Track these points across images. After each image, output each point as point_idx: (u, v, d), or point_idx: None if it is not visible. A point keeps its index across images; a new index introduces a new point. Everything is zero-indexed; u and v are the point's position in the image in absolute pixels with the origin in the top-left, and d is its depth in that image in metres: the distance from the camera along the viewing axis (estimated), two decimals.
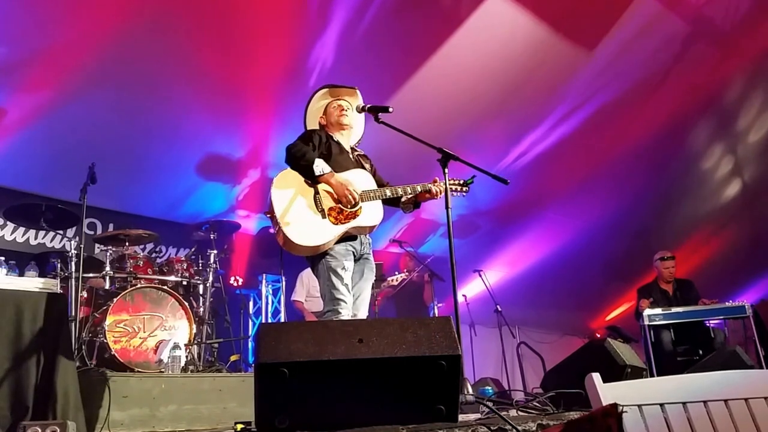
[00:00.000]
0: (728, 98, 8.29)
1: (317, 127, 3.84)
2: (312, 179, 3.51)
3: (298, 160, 3.50)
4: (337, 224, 3.46)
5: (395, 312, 7.86)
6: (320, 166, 3.48)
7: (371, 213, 3.60)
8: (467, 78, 7.05)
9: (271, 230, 8.03)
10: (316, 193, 3.51)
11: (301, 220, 3.41)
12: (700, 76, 7.77)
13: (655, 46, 7.28)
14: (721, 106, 8.37)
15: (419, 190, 3.72)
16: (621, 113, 7.87)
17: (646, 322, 6.30)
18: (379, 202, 3.66)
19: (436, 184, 3.68)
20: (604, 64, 7.19)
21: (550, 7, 6.67)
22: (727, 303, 6.36)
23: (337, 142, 3.75)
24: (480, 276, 7.80)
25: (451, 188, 3.74)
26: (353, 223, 3.51)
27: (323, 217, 3.45)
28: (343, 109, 3.79)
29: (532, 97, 7.43)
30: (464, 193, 3.87)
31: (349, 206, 3.49)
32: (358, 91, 3.89)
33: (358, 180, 3.61)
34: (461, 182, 3.84)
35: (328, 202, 3.50)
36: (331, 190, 3.50)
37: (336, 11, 6.17)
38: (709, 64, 7.73)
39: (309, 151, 3.52)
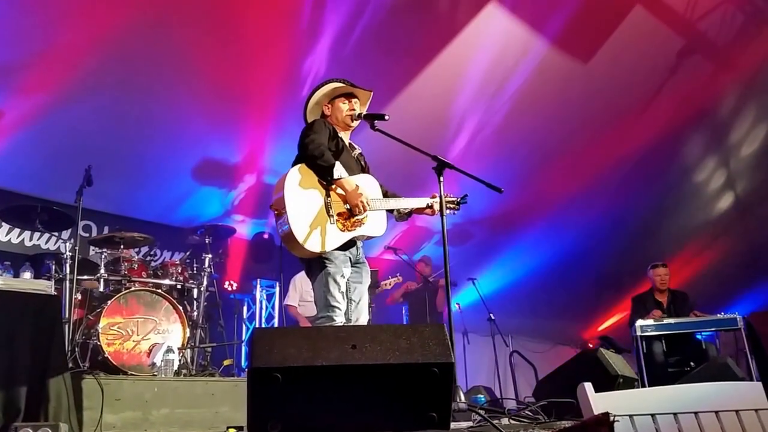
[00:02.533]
0: (721, 111, 8.36)
1: (318, 115, 3.75)
2: (328, 181, 3.43)
3: (316, 158, 3.38)
4: (343, 231, 3.43)
5: (408, 316, 8.04)
6: (339, 169, 3.43)
7: (376, 223, 3.59)
8: (462, 88, 7.09)
9: (266, 236, 8.10)
10: (328, 195, 3.43)
11: (312, 222, 3.34)
12: (694, 89, 7.84)
13: (649, 59, 7.34)
14: (715, 119, 8.44)
15: (420, 204, 3.73)
16: (615, 125, 7.92)
17: (638, 333, 6.30)
18: (384, 212, 3.66)
19: (435, 200, 3.67)
20: (598, 76, 7.24)
21: (545, 20, 6.72)
22: (718, 315, 6.38)
23: (341, 139, 3.69)
24: (473, 284, 7.82)
25: (444, 204, 3.76)
26: (358, 232, 3.49)
27: (332, 222, 3.39)
28: (353, 110, 3.70)
29: (527, 108, 7.47)
30: (455, 211, 3.87)
31: (359, 215, 3.46)
32: (371, 96, 3.82)
33: (367, 187, 3.57)
34: (455, 200, 3.82)
35: (338, 207, 3.44)
36: (343, 194, 3.46)
37: (329, 19, 6.21)
38: (703, 78, 7.80)
39: (327, 151, 3.43)
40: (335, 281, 3.39)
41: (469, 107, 7.32)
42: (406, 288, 7.89)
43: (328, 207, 3.41)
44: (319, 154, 3.39)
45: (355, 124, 3.75)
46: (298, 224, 3.30)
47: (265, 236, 8.08)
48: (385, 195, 3.78)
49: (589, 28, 6.91)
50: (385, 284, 6.99)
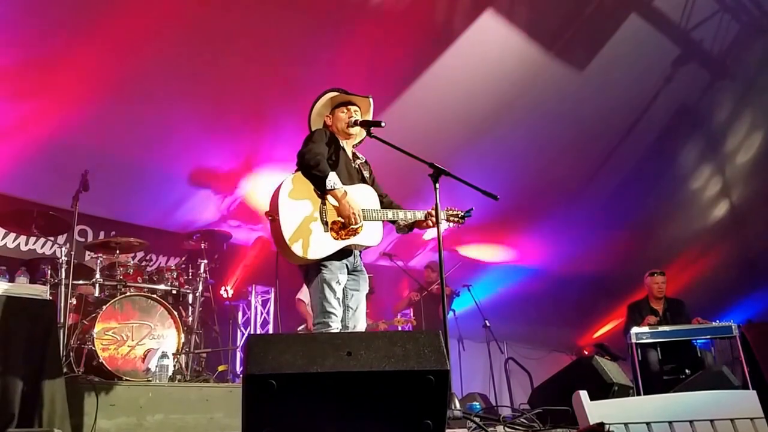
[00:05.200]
0: (717, 119, 8.40)
1: (321, 126, 3.76)
2: (322, 191, 3.44)
3: (311, 168, 3.41)
4: (337, 239, 3.44)
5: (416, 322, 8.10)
6: (332, 179, 3.42)
7: (371, 233, 3.59)
8: (459, 95, 7.10)
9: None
10: (323, 203, 3.46)
11: (305, 230, 3.37)
12: (690, 97, 7.88)
13: (644, 67, 7.37)
14: (710, 127, 8.48)
15: (419, 217, 3.72)
16: (610, 132, 7.95)
17: (634, 341, 6.27)
18: (380, 223, 3.65)
19: (432, 215, 3.64)
20: (594, 83, 7.27)
21: (542, 27, 6.75)
22: (714, 323, 6.38)
23: (343, 149, 3.70)
24: (469, 290, 7.82)
25: (448, 217, 3.76)
26: (352, 240, 3.50)
27: (326, 230, 3.41)
28: (352, 117, 3.69)
29: (523, 115, 7.49)
30: (459, 225, 3.86)
31: (353, 225, 3.46)
32: (371, 101, 3.80)
33: (363, 197, 3.58)
34: (459, 214, 3.82)
35: (332, 215, 3.46)
36: (337, 205, 3.46)
37: (328, 23, 6.23)
38: (698, 86, 7.84)
39: (323, 161, 3.45)
40: (331, 287, 3.40)
41: (464, 115, 7.33)
42: (410, 300, 7.97)
43: (322, 215, 3.44)
44: (314, 163, 3.41)
45: (355, 131, 3.74)
46: (291, 231, 3.33)
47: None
48: (389, 206, 3.78)
49: (585, 36, 6.94)
50: (397, 322, 7.08)
